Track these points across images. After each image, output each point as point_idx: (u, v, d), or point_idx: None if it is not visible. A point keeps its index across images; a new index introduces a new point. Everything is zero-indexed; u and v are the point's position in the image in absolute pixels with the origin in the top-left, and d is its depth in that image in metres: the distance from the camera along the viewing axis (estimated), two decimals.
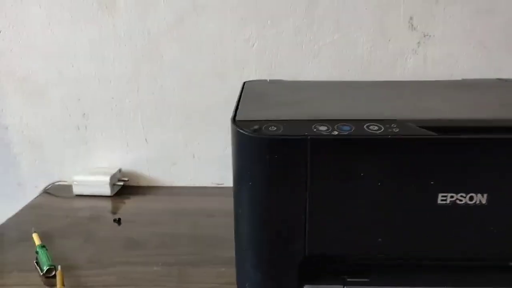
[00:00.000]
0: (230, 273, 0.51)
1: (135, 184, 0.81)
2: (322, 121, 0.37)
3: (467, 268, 0.41)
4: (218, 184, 0.81)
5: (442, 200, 0.37)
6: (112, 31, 0.74)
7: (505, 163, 0.36)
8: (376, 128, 0.36)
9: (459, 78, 0.73)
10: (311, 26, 0.73)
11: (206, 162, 0.80)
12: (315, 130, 0.36)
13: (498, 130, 0.36)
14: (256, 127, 0.36)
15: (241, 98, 0.49)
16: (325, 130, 0.36)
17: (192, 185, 0.81)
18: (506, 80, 0.66)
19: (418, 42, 0.73)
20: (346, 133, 0.36)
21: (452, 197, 0.37)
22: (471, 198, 0.37)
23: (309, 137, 0.35)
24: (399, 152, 0.36)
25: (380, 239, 0.38)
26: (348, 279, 0.41)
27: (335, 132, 0.36)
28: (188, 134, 0.78)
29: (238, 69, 0.75)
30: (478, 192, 0.36)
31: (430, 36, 0.73)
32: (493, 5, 0.71)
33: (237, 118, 0.39)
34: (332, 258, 0.43)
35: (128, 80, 0.76)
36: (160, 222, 0.66)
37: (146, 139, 0.79)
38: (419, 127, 0.36)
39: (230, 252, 0.55)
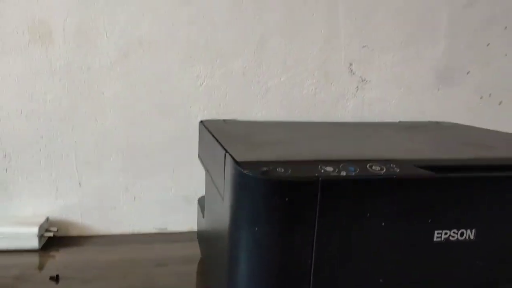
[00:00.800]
0: None
1: (64, 234, 0.72)
2: (326, 162, 0.37)
3: None
4: (161, 229, 0.75)
5: (437, 237, 0.38)
6: (46, 65, 0.67)
7: (491, 199, 0.38)
8: (378, 168, 0.37)
9: (393, 120, 0.79)
10: (259, 67, 0.74)
11: (148, 205, 0.74)
12: (322, 171, 0.36)
13: (483, 169, 0.39)
14: (265, 169, 0.35)
15: (216, 137, 0.47)
16: (332, 171, 0.36)
17: (131, 231, 0.74)
18: (437, 123, 0.73)
19: (357, 86, 0.78)
20: (353, 173, 0.36)
21: (446, 233, 0.38)
22: (461, 234, 0.39)
23: (320, 178, 0.35)
24: (401, 192, 0.37)
25: (381, 280, 0.38)
26: None
27: (343, 172, 0.36)
28: (129, 176, 0.73)
29: (185, 108, 0.72)
30: (468, 228, 0.39)
31: (367, 81, 0.78)
32: (419, 53, 0.79)
33: (237, 159, 0.37)
34: None
35: (62, 117, 0.69)
36: (107, 276, 0.59)
37: (80, 183, 0.71)
38: (417, 167, 0.38)
39: None
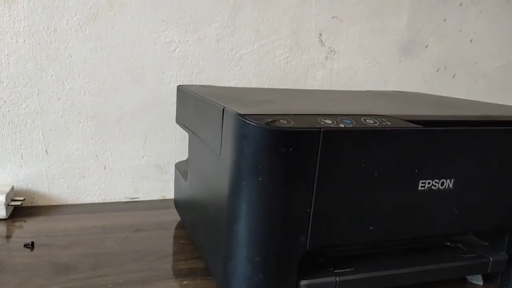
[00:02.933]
0: (196, 284, 0.48)
1: (29, 204, 0.69)
2: (325, 116, 0.38)
3: (415, 249, 0.47)
4: (133, 198, 0.74)
5: (421, 186, 0.41)
6: (9, 25, 0.63)
7: (469, 151, 0.42)
8: (372, 121, 0.39)
9: (360, 89, 0.82)
10: (232, 34, 0.73)
11: (119, 174, 0.73)
12: (322, 123, 0.37)
13: (463, 123, 0.42)
14: (270, 120, 0.36)
15: (205, 97, 0.47)
16: (331, 123, 0.37)
17: (102, 201, 0.73)
18: (401, 92, 0.77)
19: (326, 56, 0.80)
20: (350, 125, 0.38)
21: (429, 183, 0.41)
22: (442, 184, 0.42)
23: (321, 129, 0.36)
24: (392, 143, 0.39)
25: (371, 227, 0.41)
26: (335, 271, 0.42)
27: (341, 124, 0.37)
28: (99, 144, 0.71)
29: (158, 74, 0.71)
30: (448, 178, 0.42)
31: (335, 51, 0.80)
32: (385, 25, 0.82)
33: (240, 112, 0.37)
34: (322, 250, 0.44)
35: (27, 82, 0.65)
36: (83, 242, 0.57)
37: (46, 151, 0.68)
38: (405, 121, 0.40)
39: (184, 264, 0.52)
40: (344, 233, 0.40)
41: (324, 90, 0.73)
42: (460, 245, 0.51)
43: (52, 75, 0.66)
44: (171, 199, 0.75)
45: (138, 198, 0.75)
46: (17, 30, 0.63)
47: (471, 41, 0.90)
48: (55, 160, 0.69)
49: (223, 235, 0.40)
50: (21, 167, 0.68)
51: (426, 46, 0.86)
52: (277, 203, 0.37)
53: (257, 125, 0.35)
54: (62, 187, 0.70)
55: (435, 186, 0.42)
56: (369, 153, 0.38)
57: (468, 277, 0.50)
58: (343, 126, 0.37)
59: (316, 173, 0.37)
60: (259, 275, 0.38)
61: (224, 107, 0.40)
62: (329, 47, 0.80)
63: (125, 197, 0.74)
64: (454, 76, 0.90)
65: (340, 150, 0.37)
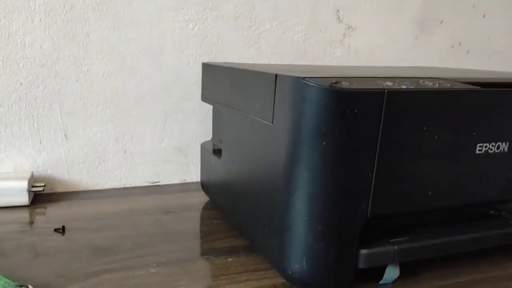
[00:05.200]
0: (241, 261, 0.46)
1: (49, 191, 0.67)
2: (386, 78, 0.37)
3: (463, 218, 0.47)
4: (154, 183, 0.72)
5: (479, 150, 0.40)
6: (23, 3, 0.60)
7: None
8: (431, 83, 0.38)
9: (382, 65, 0.81)
10: (251, 11, 0.72)
11: (140, 158, 0.70)
12: (384, 84, 0.36)
13: None
14: (334, 81, 0.34)
15: (243, 68, 0.45)
16: (392, 85, 0.36)
17: (123, 185, 0.71)
18: (427, 67, 0.76)
19: (344, 34, 0.79)
20: (412, 87, 0.37)
21: (486, 146, 0.41)
22: (498, 147, 0.41)
23: (386, 90, 0.35)
24: (453, 105, 0.38)
25: (430, 193, 0.40)
26: (391, 240, 0.41)
27: (403, 86, 0.36)
28: (119, 127, 0.68)
29: (177, 53, 0.69)
30: (503, 141, 0.41)
31: (353, 28, 0.79)
32: (401, 2, 0.81)
33: (302, 76, 0.36)
34: (381, 219, 0.43)
35: (44, 63, 0.63)
36: (114, 225, 0.55)
37: (65, 135, 0.66)
38: (464, 83, 0.39)
39: (224, 243, 0.51)
40: (404, 200, 0.39)
41: (353, 66, 0.72)
42: (504, 213, 0.50)
43: (70, 56, 0.64)
44: (192, 183, 0.73)
45: (159, 182, 0.73)
46: (32, 9, 0.61)
47: (483, 16, 0.89)
48: (74, 145, 0.67)
49: (280, 207, 0.39)
50: (40, 152, 0.65)
51: (441, 22, 0.86)
52: (341, 169, 0.36)
53: (321, 86, 0.34)
54: (82, 172, 0.68)
55: (491, 149, 0.41)
56: (431, 115, 0.37)
57: None
58: (405, 87, 0.36)
59: (380, 136, 0.36)
60: (321, 244, 0.37)
61: (277, 74, 0.39)
62: (346, 24, 0.79)
63: (146, 181, 0.72)
64: (468, 52, 0.90)
65: (403, 112, 0.36)
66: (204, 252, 0.49)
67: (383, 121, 0.36)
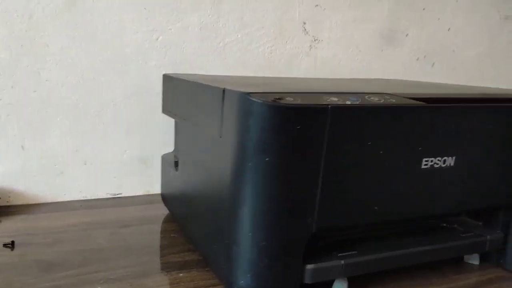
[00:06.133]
0: (192, 276, 0.46)
1: (4, 203, 0.65)
2: (331, 94, 0.37)
3: (414, 231, 0.47)
4: (116, 195, 0.71)
5: (425, 164, 0.41)
6: None
7: (470, 129, 0.42)
8: (377, 99, 0.38)
9: (346, 77, 0.82)
10: (216, 22, 0.72)
11: (101, 169, 0.69)
12: (328, 100, 0.36)
13: (464, 101, 0.42)
14: (276, 97, 0.34)
15: (199, 82, 0.45)
16: (337, 100, 0.36)
17: (83, 198, 0.69)
18: (387, 80, 0.77)
19: (310, 45, 0.79)
20: (357, 102, 0.37)
21: (432, 161, 0.41)
22: (444, 161, 0.42)
23: (329, 105, 0.35)
24: (397, 121, 0.38)
25: (376, 207, 0.40)
26: (339, 254, 0.41)
27: (347, 101, 0.36)
28: (78, 138, 0.67)
29: (140, 63, 0.68)
30: (449, 155, 0.42)
31: (319, 40, 0.80)
32: (367, 14, 0.82)
33: (245, 91, 0.36)
34: (326, 234, 0.43)
35: (1, 72, 0.61)
36: (68, 239, 0.54)
37: (22, 146, 0.65)
38: (409, 98, 0.40)
39: (177, 257, 0.50)
40: (350, 214, 0.39)
41: (314, 78, 0.72)
42: (455, 225, 0.51)
43: (28, 66, 0.62)
44: (156, 194, 0.72)
45: (121, 194, 0.71)
46: None
47: (449, 29, 0.91)
48: (31, 156, 0.65)
49: (226, 221, 0.38)
50: None
51: (407, 35, 0.87)
52: (284, 184, 0.36)
53: (264, 102, 0.34)
54: (40, 184, 0.66)
55: (437, 164, 0.41)
56: (375, 130, 0.38)
57: (465, 257, 0.50)
58: (349, 103, 0.36)
59: (324, 151, 0.36)
60: (265, 260, 0.37)
61: (225, 88, 0.38)
62: (313, 36, 0.79)
63: (107, 193, 0.71)
64: (433, 64, 0.91)
65: (347, 127, 0.36)
66: (156, 267, 0.48)
67: (328, 137, 0.36)
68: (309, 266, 0.39)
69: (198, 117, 0.45)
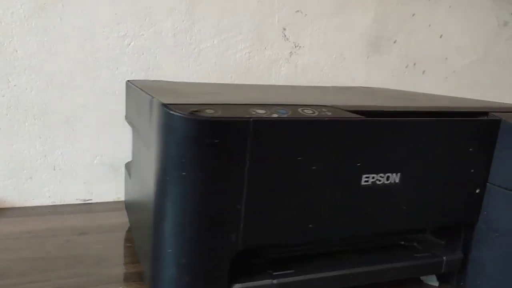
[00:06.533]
0: None
1: None
2: (259, 106, 0.35)
3: (366, 249, 0.45)
4: (86, 201, 0.71)
5: (365, 181, 0.38)
6: None
7: (415, 144, 0.39)
8: (311, 111, 0.36)
9: (328, 85, 0.79)
10: (191, 28, 0.71)
11: (70, 175, 0.69)
12: (254, 113, 0.34)
13: (408, 115, 0.39)
14: (194, 109, 0.33)
15: (143, 90, 0.44)
16: (264, 113, 0.34)
17: (51, 203, 0.69)
18: (368, 88, 0.75)
19: (290, 52, 0.77)
20: (285, 115, 0.35)
21: (373, 177, 0.39)
22: (388, 178, 0.39)
23: (251, 119, 0.33)
24: (332, 135, 0.36)
25: (311, 225, 0.38)
26: (274, 273, 0.39)
27: (274, 114, 0.35)
28: (48, 143, 0.67)
29: (111, 69, 0.68)
30: (394, 172, 0.39)
31: (300, 46, 0.78)
32: (351, 20, 0.79)
33: (165, 101, 0.34)
34: (257, 252, 0.41)
35: None
36: (19, 246, 0.53)
37: None
38: (348, 111, 0.37)
39: (122, 269, 0.49)
40: (281, 231, 0.37)
41: (283, 85, 0.70)
42: (415, 244, 0.48)
43: None
44: None
45: (91, 200, 0.71)
46: None
47: (441, 36, 0.88)
48: None
49: (152, 236, 0.37)
50: None
51: (395, 42, 0.84)
52: (204, 199, 0.34)
53: (179, 114, 0.32)
54: (7, 189, 0.66)
55: (380, 180, 0.39)
56: (306, 145, 0.35)
57: (423, 278, 0.47)
58: (276, 116, 0.34)
59: (247, 166, 0.34)
60: (186, 278, 0.35)
61: (152, 98, 0.37)
62: (293, 42, 0.77)
63: (77, 199, 0.70)
64: (423, 72, 0.88)
65: (273, 142, 0.34)
66: (96, 280, 0.47)
67: (251, 151, 0.34)
68: (237, 286, 0.37)
69: (139, 126, 0.44)
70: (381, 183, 0.39)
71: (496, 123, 0.42)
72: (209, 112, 0.33)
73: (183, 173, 0.33)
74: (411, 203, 0.41)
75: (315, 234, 0.38)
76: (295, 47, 0.78)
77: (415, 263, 0.44)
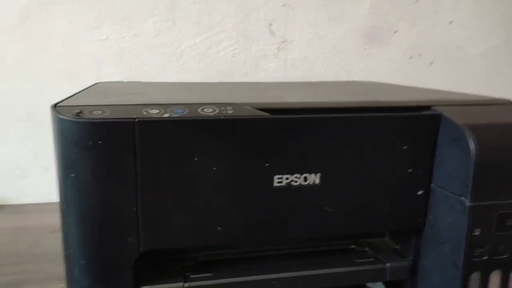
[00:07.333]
0: None
1: None
2: (154, 105, 0.35)
3: (306, 253, 0.42)
4: None
5: (278, 182, 0.36)
6: None
7: (335, 142, 0.36)
8: (210, 110, 0.35)
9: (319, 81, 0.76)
10: (172, 28, 0.71)
11: None
12: (145, 113, 0.33)
13: (328, 111, 0.36)
14: (78, 111, 0.33)
15: (77, 93, 0.45)
16: (156, 113, 0.34)
17: (45, 201, 0.72)
18: (357, 82, 0.70)
19: (278, 47, 0.75)
20: (178, 115, 0.34)
21: (287, 178, 0.36)
22: (305, 179, 0.37)
23: (136, 119, 0.32)
24: (232, 134, 0.34)
25: (219, 228, 0.36)
26: (191, 276, 0.38)
27: (166, 114, 0.34)
28: (38, 144, 0.70)
29: (94, 72, 0.70)
30: (312, 172, 0.37)
31: (289, 41, 0.75)
32: (344, 12, 0.76)
33: (59, 104, 0.34)
34: (170, 254, 0.40)
35: None
36: None
37: None
38: (255, 109, 0.35)
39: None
40: (184, 233, 0.36)
41: (251, 82, 0.68)
42: (367, 248, 0.44)
43: None
44: None
45: None
46: None
47: (450, 22, 0.81)
48: None
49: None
50: None
51: (395, 32, 0.79)
52: (95, 202, 0.34)
53: (62, 117, 0.32)
54: (3, 187, 0.71)
55: (296, 182, 0.36)
56: (203, 145, 0.34)
57: (369, 285, 0.44)
58: (167, 116, 0.33)
59: (137, 168, 0.33)
60: (87, 280, 0.35)
61: (62, 100, 0.38)
62: (281, 37, 0.75)
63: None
64: (431, 63, 0.81)
65: (163, 142, 0.33)
66: (41, 277, 0.48)
67: (140, 153, 0.33)
68: None
69: None
70: (298, 184, 0.36)
71: (436, 117, 0.38)
72: (96, 113, 0.33)
73: (72, 175, 0.33)
74: (338, 206, 0.38)
75: (226, 237, 0.37)
76: (283, 42, 0.75)
77: (354, 269, 0.41)
